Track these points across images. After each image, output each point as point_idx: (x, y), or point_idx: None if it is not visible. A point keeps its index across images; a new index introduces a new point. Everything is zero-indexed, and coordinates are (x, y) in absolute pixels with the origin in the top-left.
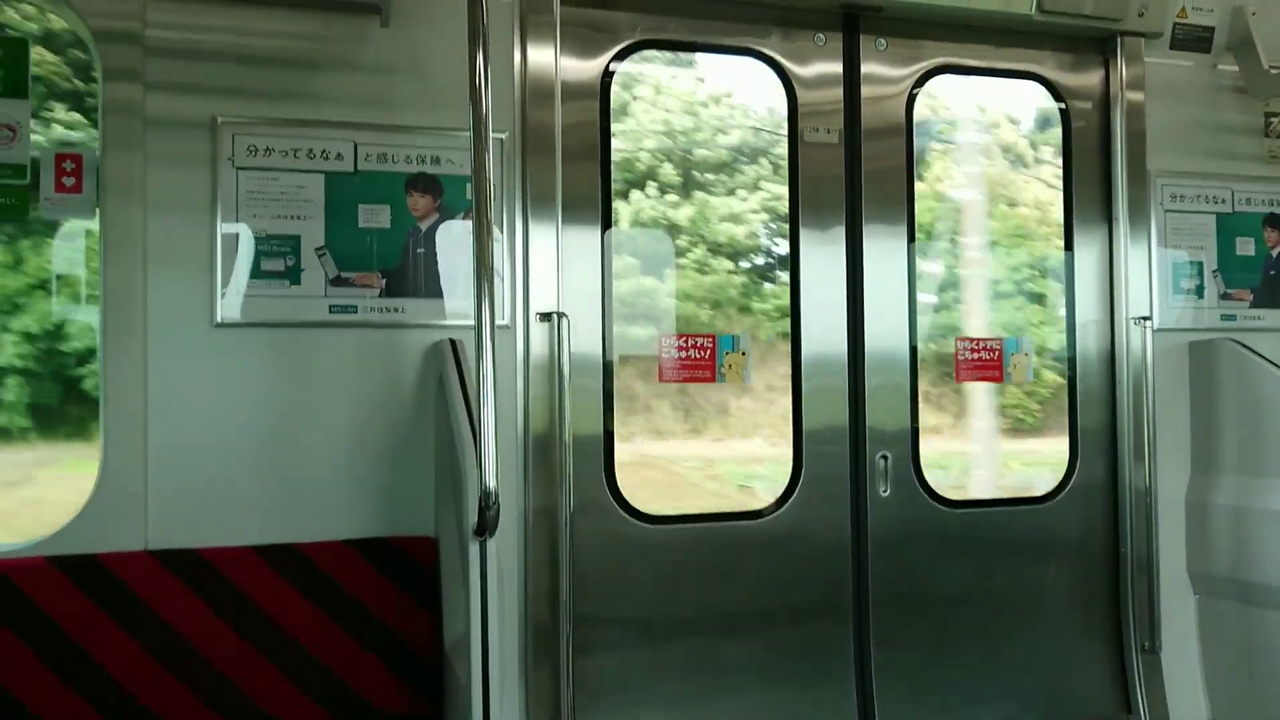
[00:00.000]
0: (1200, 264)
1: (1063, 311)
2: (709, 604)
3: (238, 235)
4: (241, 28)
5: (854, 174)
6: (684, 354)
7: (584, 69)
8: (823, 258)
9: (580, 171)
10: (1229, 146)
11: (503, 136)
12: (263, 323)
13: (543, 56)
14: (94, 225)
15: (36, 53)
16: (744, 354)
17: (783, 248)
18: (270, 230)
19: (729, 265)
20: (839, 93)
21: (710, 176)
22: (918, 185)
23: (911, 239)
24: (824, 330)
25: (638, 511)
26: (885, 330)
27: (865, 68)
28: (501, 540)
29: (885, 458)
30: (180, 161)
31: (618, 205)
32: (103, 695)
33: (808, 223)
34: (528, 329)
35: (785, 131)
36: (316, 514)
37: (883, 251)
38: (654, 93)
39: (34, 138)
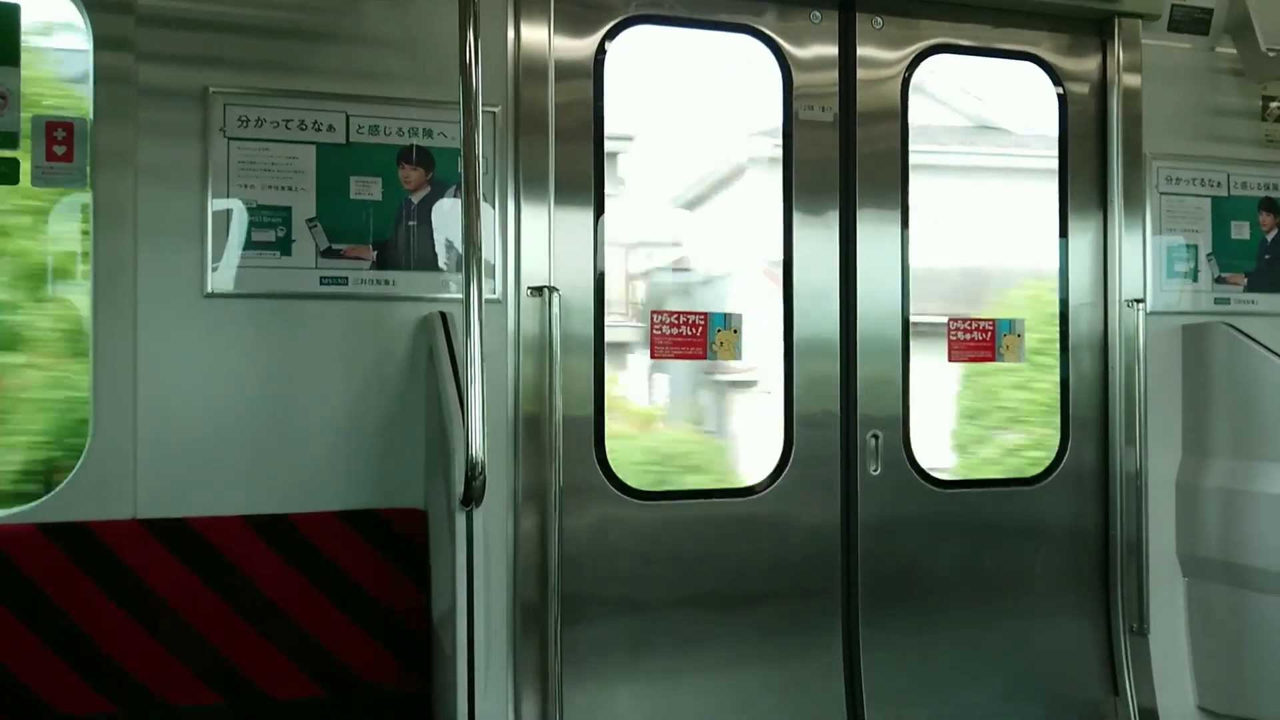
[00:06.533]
0: (1195, 247)
1: None
2: (698, 580)
3: (229, 206)
4: None
5: (848, 155)
6: (676, 330)
7: (578, 47)
8: (816, 238)
9: (573, 149)
10: (1225, 130)
11: (495, 110)
12: (253, 294)
13: (536, 33)
14: (85, 195)
15: None
16: (736, 331)
17: None
18: (261, 201)
19: None
20: (834, 73)
21: None
22: None
23: (905, 222)
24: (816, 309)
25: (628, 488)
26: (877, 311)
27: (861, 47)
28: (491, 516)
29: (876, 436)
30: (172, 131)
31: None
32: (90, 663)
33: (801, 203)
34: (519, 303)
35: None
36: (306, 485)
37: (876, 233)
38: None
39: None
